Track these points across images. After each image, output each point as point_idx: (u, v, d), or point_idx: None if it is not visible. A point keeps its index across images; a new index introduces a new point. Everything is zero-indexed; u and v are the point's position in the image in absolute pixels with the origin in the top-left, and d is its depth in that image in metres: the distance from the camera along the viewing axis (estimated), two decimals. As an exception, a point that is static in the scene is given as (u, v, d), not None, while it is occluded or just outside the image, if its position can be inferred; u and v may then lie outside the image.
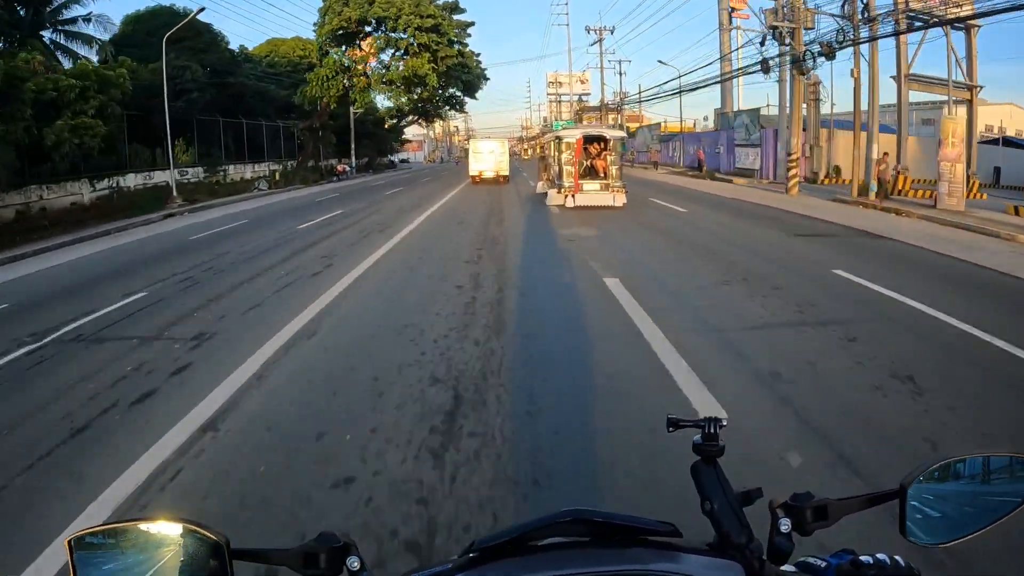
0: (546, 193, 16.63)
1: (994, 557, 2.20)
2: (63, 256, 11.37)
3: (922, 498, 0.78)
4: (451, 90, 45.32)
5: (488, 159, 25.26)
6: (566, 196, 14.76)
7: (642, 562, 0.74)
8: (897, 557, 0.77)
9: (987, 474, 0.80)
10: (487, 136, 34.89)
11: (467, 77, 42.39)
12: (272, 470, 3.08)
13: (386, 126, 47.89)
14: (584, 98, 64.11)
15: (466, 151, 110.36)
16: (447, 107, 49.24)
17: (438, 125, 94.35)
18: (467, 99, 49.23)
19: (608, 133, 15.92)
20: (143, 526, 0.72)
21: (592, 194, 14.63)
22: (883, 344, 4.83)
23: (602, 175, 15.35)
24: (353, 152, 40.97)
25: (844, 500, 0.80)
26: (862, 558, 0.76)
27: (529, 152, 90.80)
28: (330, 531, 0.77)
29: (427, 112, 46.77)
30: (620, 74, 46.13)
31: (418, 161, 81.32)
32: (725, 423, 0.86)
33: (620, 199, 14.51)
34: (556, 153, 15.80)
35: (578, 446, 3.23)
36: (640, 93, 41.22)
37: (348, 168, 35.45)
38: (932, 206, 13.79)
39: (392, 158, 65.33)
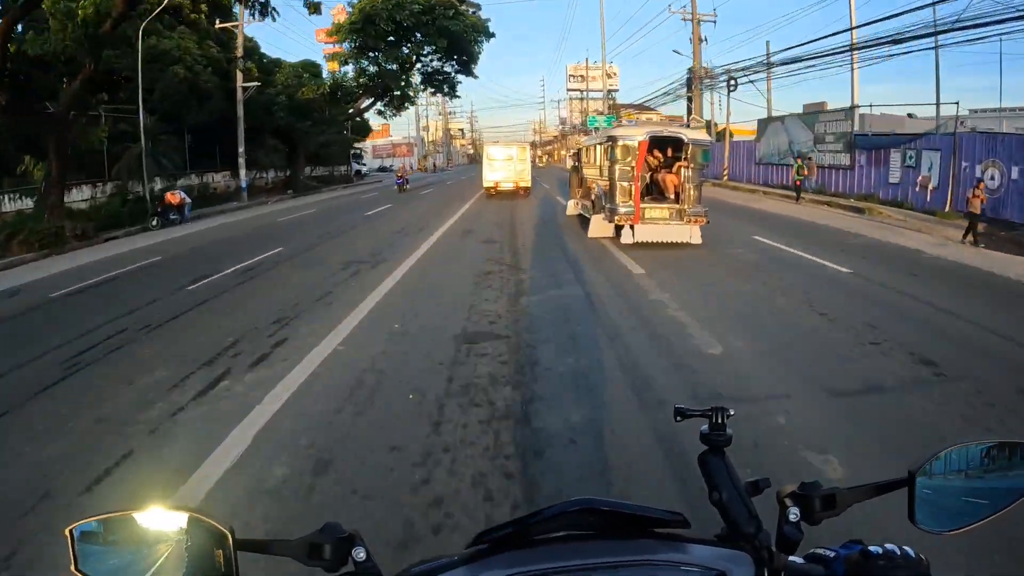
0: (584, 219, 12.41)
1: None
2: None
3: (931, 485, 0.77)
4: (427, 53, 26.80)
5: (506, 168, 20.51)
6: (621, 225, 10.13)
7: (650, 552, 0.74)
8: (906, 547, 0.73)
9: (996, 461, 0.78)
10: (500, 141, 26.00)
11: (454, 26, 23.83)
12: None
13: (331, 113, 29.00)
14: (611, 95, 48.59)
15: (469, 156, 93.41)
16: (427, 87, 30.73)
17: (433, 125, 75.87)
18: (460, 78, 30.73)
19: (688, 134, 10.22)
20: (146, 515, 0.70)
21: (659, 224, 10.02)
22: None
23: (672, 196, 10.38)
24: (242, 159, 22.51)
25: (853, 489, 0.79)
26: (871, 548, 0.73)
27: (544, 159, 76.29)
28: (335, 522, 0.76)
29: (389, 92, 28.13)
30: (700, 40, 27.34)
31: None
32: (732, 412, 0.85)
33: (696, 234, 9.96)
34: (605, 162, 10.82)
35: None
36: (769, 55, 22.35)
37: (186, 199, 16.83)
38: None
39: (359, 166, 46.65)
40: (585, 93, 58.41)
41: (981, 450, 0.78)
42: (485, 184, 20.75)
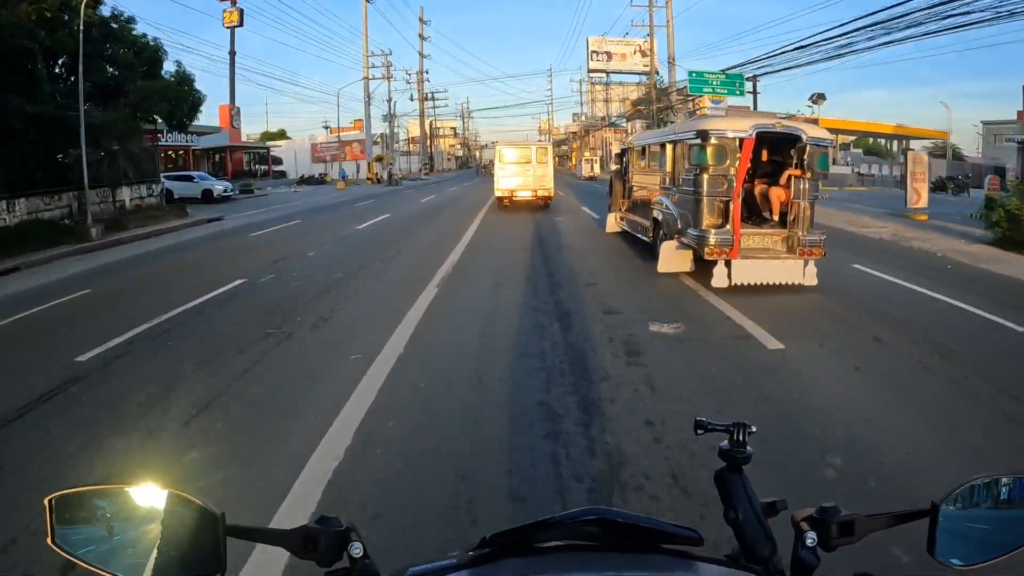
0: (633, 238, 10.80)
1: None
2: None
3: (953, 517, 0.75)
4: None
5: (523, 173, 18.40)
6: (712, 259, 7.47)
7: (658, 569, 0.73)
8: None
9: (1021, 495, 0.77)
10: (497, 141, 23.14)
11: None
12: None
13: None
14: (643, 79, 40.39)
15: (459, 160, 70.67)
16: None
17: (392, 117, 54.01)
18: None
19: (808, 131, 7.71)
20: (130, 491, 0.68)
21: (762, 258, 7.52)
22: None
23: (775, 218, 8.06)
24: None
25: (872, 516, 0.78)
26: None
27: (554, 161, 56.44)
28: (331, 515, 0.73)
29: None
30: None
31: (334, 179, 41.56)
32: (754, 430, 0.83)
33: (811, 272, 7.47)
34: (684, 167, 8.32)
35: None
36: None
37: None
38: None
39: (214, 184, 24.72)
40: (607, 76, 46.97)
41: (1008, 482, 0.77)
42: (498, 193, 18.90)
